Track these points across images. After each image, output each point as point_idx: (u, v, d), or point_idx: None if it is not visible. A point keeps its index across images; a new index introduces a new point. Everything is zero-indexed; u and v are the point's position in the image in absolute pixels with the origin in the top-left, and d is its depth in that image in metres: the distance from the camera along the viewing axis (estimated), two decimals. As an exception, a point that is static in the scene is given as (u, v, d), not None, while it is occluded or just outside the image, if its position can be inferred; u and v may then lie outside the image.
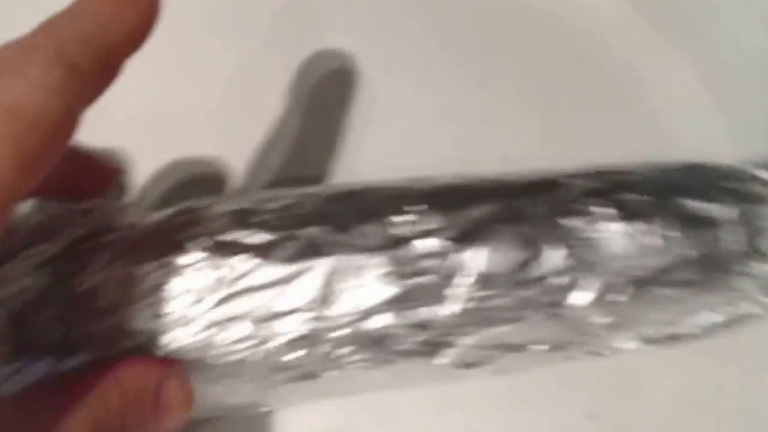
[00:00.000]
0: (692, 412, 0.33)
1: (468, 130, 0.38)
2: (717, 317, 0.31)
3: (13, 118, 0.20)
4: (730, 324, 0.31)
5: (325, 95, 0.38)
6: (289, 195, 0.30)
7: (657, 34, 0.40)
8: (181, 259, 0.28)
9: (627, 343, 0.32)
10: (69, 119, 0.22)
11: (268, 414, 0.33)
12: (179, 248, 0.28)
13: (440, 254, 0.28)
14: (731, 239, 0.29)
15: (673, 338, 0.32)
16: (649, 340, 0.32)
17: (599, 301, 0.29)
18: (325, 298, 0.28)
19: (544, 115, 0.38)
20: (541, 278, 0.28)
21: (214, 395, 0.29)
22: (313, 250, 0.28)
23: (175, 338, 0.28)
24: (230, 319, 0.28)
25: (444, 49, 0.40)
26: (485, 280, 0.28)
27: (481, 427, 0.33)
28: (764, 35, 0.39)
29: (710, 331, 0.32)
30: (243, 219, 0.29)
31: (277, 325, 0.28)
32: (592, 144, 0.36)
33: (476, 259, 0.28)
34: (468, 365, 0.30)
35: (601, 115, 0.38)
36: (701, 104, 0.39)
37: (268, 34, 0.40)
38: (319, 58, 0.39)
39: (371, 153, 0.36)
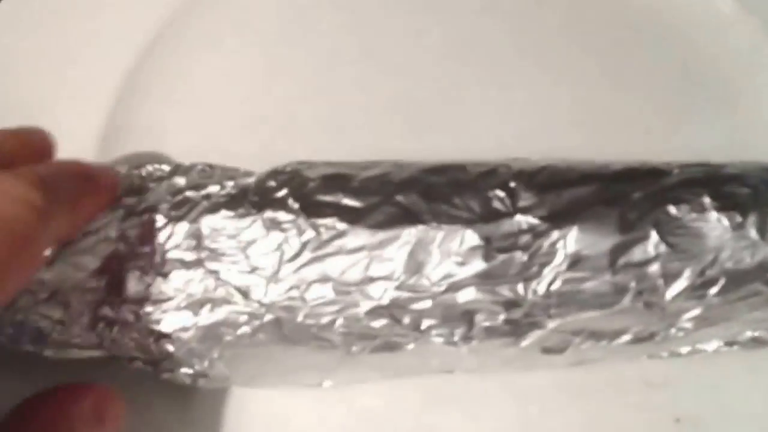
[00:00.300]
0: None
1: (558, 124, 0.38)
2: None
3: None
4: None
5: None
6: (385, 164, 0.30)
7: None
8: (275, 217, 0.28)
9: (710, 342, 0.31)
10: (41, 236, 0.25)
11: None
12: (274, 206, 0.29)
13: (532, 232, 0.28)
14: None
15: (757, 341, 0.31)
16: (731, 342, 0.31)
17: (691, 292, 0.28)
18: (412, 267, 0.28)
19: (641, 113, 0.38)
20: (634, 264, 0.28)
21: (294, 360, 0.29)
22: (405, 218, 0.28)
23: (267, 293, 0.28)
24: (317, 281, 0.28)
25: (524, 38, 0.40)
26: (576, 261, 0.28)
27: (552, 425, 0.32)
28: None
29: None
30: (337, 183, 0.29)
31: (363, 291, 0.28)
32: (687, 144, 0.35)
33: (569, 239, 0.28)
34: (547, 350, 0.29)
35: (702, 116, 0.38)
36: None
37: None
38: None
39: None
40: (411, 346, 0.29)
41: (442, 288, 0.28)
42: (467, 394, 0.33)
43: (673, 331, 0.29)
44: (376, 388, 0.33)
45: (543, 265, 0.28)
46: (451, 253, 0.28)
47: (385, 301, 0.28)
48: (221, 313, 0.28)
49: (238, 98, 0.39)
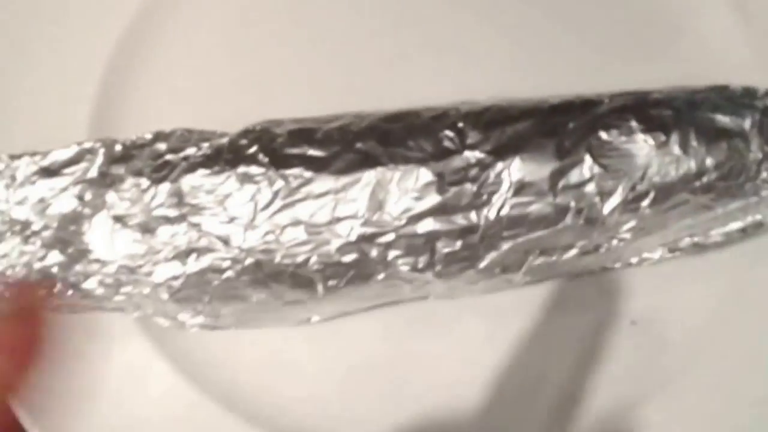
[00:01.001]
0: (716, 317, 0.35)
1: (499, 66, 0.40)
2: (736, 224, 0.34)
3: None
4: (748, 230, 0.34)
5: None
6: (346, 116, 0.33)
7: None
8: (248, 171, 0.32)
9: (654, 251, 0.34)
10: None
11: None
12: (246, 162, 0.32)
13: (480, 165, 0.31)
14: (746, 148, 0.32)
15: (698, 246, 0.34)
16: (674, 249, 0.34)
17: (625, 206, 0.31)
18: (374, 206, 0.31)
19: (579, 51, 0.40)
20: (572, 186, 0.31)
21: (279, 299, 0.33)
22: (365, 163, 0.32)
23: (246, 239, 0.31)
24: (290, 225, 0.31)
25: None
26: (521, 187, 0.31)
27: (520, 337, 0.36)
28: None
29: (730, 239, 0.34)
30: (302, 136, 0.33)
31: (332, 231, 0.31)
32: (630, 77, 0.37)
33: (512, 168, 0.31)
34: (505, 269, 0.33)
35: (646, 53, 0.40)
36: (744, 44, 0.40)
37: None
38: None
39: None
40: (381, 276, 0.32)
41: (403, 221, 0.31)
42: (439, 318, 0.36)
43: (614, 242, 0.33)
44: (359, 321, 0.36)
45: (491, 194, 0.31)
46: (408, 190, 0.31)
47: (353, 238, 0.31)
48: (206, 260, 0.32)
49: (216, 70, 0.41)
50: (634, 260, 0.35)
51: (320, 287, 0.32)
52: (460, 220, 0.31)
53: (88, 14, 0.41)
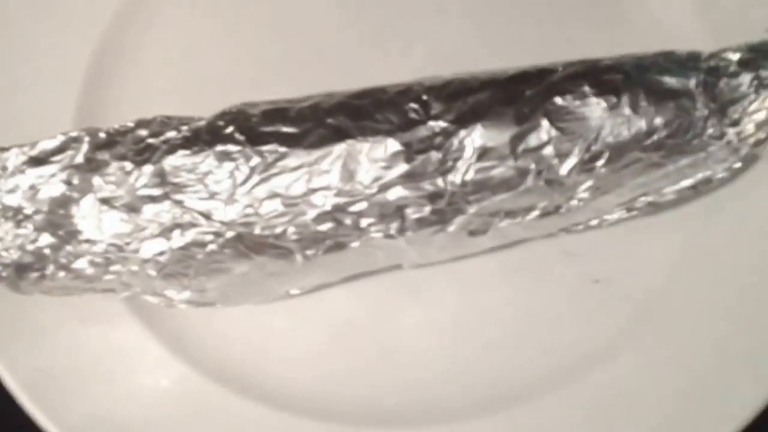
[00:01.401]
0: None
1: (461, 43, 0.42)
2: (687, 181, 0.36)
3: None
4: (698, 187, 0.36)
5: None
6: (317, 96, 0.35)
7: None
8: (225, 149, 0.34)
9: (612, 211, 0.37)
10: None
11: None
12: (223, 141, 0.34)
13: (444, 133, 0.33)
14: (692, 106, 0.34)
15: (653, 205, 0.37)
16: (631, 208, 0.37)
17: (581, 166, 0.33)
18: (346, 176, 0.33)
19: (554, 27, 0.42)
20: (531, 149, 0.33)
21: (260, 270, 0.35)
22: (335, 136, 0.34)
23: (226, 213, 0.33)
24: (267, 198, 0.33)
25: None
26: (483, 153, 0.33)
27: (491, 300, 0.38)
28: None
29: (683, 196, 0.36)
30: (276, 115, 0.34)
31: (307, 201, 0.33)
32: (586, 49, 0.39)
33: (474, 135, 0.33)
34: (472, 233, 0.35)
35: (604, 27, 0.43)
36: (692, 12, 0.42)
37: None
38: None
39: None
40: (356, 244, 0.34)
41: (374, 190, 0.33)
42: (414, 284, 0.38)
43: (574, 202, 0.35)
44: (338, 291, 0.38)
45: (456, 160, 0.33)
46: (377, 160, 0.33)
47: (327, 207, 0.33)
48: (190, 235, 0.33)
49: (197, 62, 0.43)
50: (594, 222, 0.37)
51: (299, 257, 0.34)
52: (427, 186, 0.33)
53: (72, 11, 0.43)
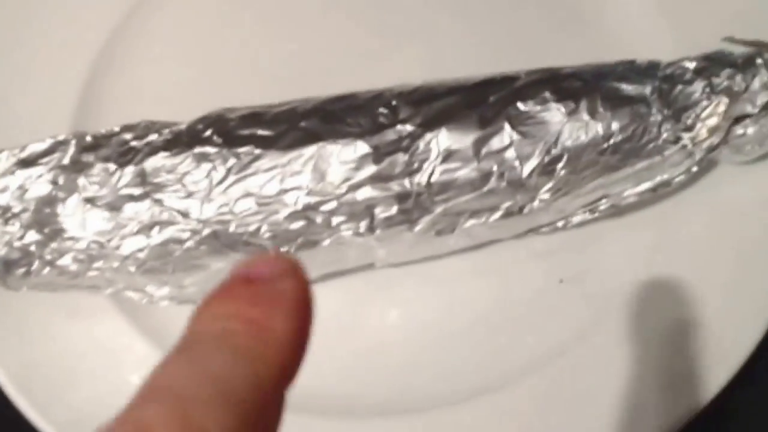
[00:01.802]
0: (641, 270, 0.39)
1: (431, 48, 0.44)
2: (646, 184, 0.37)
3: None
4: (657, 190, 0.38)
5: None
6: (293, 101, 0.37)
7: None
8: (203, 151, 0.35)
9: (576, 213, 0.38)
10: None
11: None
12: (201, 143, 0.36)
13: (411, 136, 0.35)
14: (648, 112, 0.36)
15: (615, 207, 0.38)
16: (594, 210, 0.38)
17: (542, 168, 0.35)
18: (317, 177, 0.35)
19: (507, 32, 0.44)
20: (494, 151, 0.35)
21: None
22: (308, 139, 0.35)
23: (203, 211, 0.35)
24: (242, 197, 0.35)
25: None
26: (448, 155, 0.35)
27: (461, 299, 0.39)
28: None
29: (643, 198, 0.38)
30: (253, 119, 0.36)
31: (280, 201, 0.35)
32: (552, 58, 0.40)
33: (440, 138, 0.35)
34: (439, 232, 0.36)
35: (561, 32, 0.44)
36: (656, 27, 0.44)
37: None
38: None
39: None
40: (327, 242, 0.36)
41: (344, 190, 0.35)
42: (389, 284, 0.40)
43: (536, 203, 0.36)
44: (314, 290, 0.39)
45: (422, 161, 0.35)
46: (347, 161, 0.35)
47: (299, 206, 0.35)
48: (168, 232, 0.35)
49: (193, 72, 0.45)
50: (560, 224, 0.39)
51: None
52: (395, 186, 0.35)
53: (70, 22, 0.45)
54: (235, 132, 0.36)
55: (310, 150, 0.35)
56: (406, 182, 0.35)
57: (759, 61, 0.36)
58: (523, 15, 0.45)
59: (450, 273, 0.40)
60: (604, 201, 0.38)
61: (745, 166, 0.39)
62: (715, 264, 0.38)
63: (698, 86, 0.36)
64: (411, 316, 0.40)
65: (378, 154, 0.35)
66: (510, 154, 0.35)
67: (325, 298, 0.39)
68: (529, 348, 0.38)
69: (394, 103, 0.36)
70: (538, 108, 0.35)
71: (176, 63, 0.45)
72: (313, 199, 0.35)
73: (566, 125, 0.35)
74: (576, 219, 0.38)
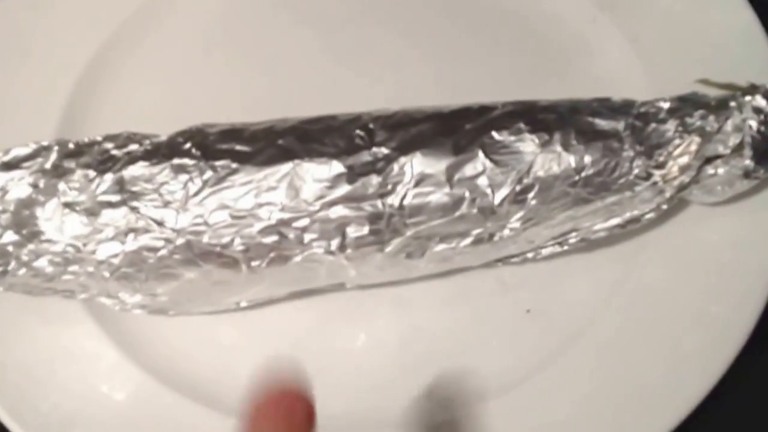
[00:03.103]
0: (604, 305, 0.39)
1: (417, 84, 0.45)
2: (615, 220, 0.38)
3: None
4: (627, 225, 0.38)
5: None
6: (273, 120, 0.38)
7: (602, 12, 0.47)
8: (181, 162, 0.36)
9: (546, 244, 0.39)
10: None
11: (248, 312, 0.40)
12: (180, 155, 0.36)
13: (385, 159, 0.36)
14: (620, 147, 0.36)
15: (584, 241, 0.39)
16: (564, 242, 0.39)
17: (513, 197, 0.36)
18: (291, 193, 0.36)
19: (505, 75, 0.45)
20: (466, 178, 0.36)
21: (207, 277, 0.37)
22: (284, 156, 0.36)
23: (178, 221, 0.35)
24: (217, 209, 0.36)
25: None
26: (421, 179, 0.36)
27: (429, 325, 0.40)
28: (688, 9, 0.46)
29: (612, 233, 0.38)
30: (232, 135, 0.37)
31: (254, 215, 0.36)
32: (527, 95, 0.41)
33: (414, 162, 0.36)
34: (409, 255, 0.37)
35: (551, 77, 0.45)
36: (635, 70, 0.45)
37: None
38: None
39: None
40: (298, 258, 0.36)
41: (317, 207, 0.36)
42: (359, 306, 0.41)
43: (506, 231, 0.37)
44: (284, 308, 0.40)
45: (395, 184, 0.36)
46: (321, 180, 0.36)
47: (272, 221, 0.36)
48: (143, 240, 0.36)
49: (178, 86, 0.47)
50: (530, 255, 0.39)
51: (244, 267, 0.36)
52: (367, 207, 0.36)
53: (55, 38, 0.47)
54: (213, 146, 0.37)
55: (285, 167, 0.36)
56: (379, 203, 0.36)
57: (732, 103, 0.37)
58: (499, 53, 0.46)
59: (419, 297, 0.41)
60: (573, 234, 0.38)
61: (714, 207, 0.39)
62: (679, 303, 0.39)
63: (671, 125, 0.37)
64: (377, 339, 0.40)
65: (352, 174, 0.36)
66: (482, 181, 0.36)
67: (292, 316, 0.40)
68: (492, 375, 0.38)
69: (371, 126, 0.37)
70: (513, 138, 0.36)
71: (160, 79, 0.47)
72: (286, 215, 0.36)
73: (539, 156, 0.36)
74: (545, 251, 0.39)
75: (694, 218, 0.40)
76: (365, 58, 0.46)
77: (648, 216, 0.38)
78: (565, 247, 0.39)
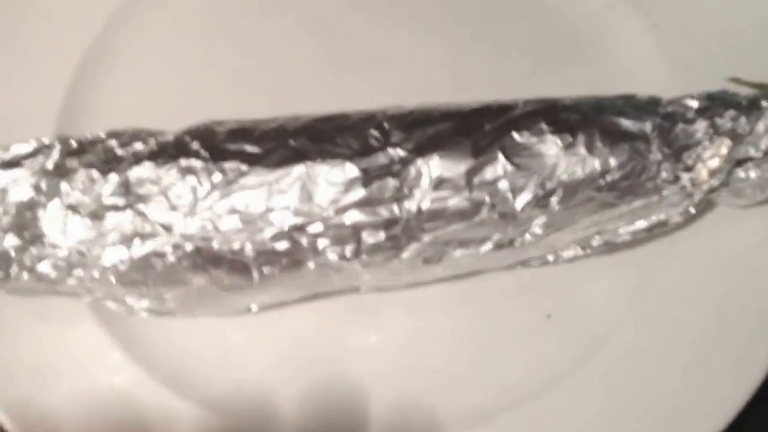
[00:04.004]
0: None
1: (446, 76, 0.43)
2: (642, 223, 0.36)
3: None
4: (653, 230, 0.37)
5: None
6: (283, 117, 0.36)
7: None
8: (189, 164, 0.35)
9: (568, 248, 0.37)
10: None
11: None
12: (187, 156, 0.35)
13: (402, 162, 0.34)
14: (647, 150, 0.35)
15: (608, 244, 0.37)
16: (585, 246, 0.37)
17: (535, 202, 0.34)
18: (304, 197, 0.34)
19: (522, 66, 0.44)
20: (486, 182, 0.34)
21: (218, 283, 0.35)
22: (296, 158, 0.34)
23: (186, 226, 0.34)
24: (227, 214, 0.34)
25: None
26: (439, 183, 0.34)
27: (448, 329, 0.39)
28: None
29: (638, 237, 0.37)
30: (241, 135, 0.35)
31: (265, 219, 0.34)
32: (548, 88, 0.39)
33: (432, 165, 0.34)
34: (427, 260, 0.35)
35: (569, 67, 0.44)
36: (656, 59, 0.43)
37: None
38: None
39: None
40: (312, 264, 0.35)
41: (331, 213, 0.34)
42: (369, 309, 0.39)
43: (527, 237, 0.35)
44: (295, 312, 0.39)
45: (412, 188, 0.34)
46: (335, 183, 0.34)
47: (284, 227, 0.34)
48: (150, 245, 0.34)
49: (178, 79, 0.44)
50: (550, 258, 0.38)
51: (256, 274, 0.35)
52: (383, 212, 0.34)
53: (54, 27, 0.45)
54: (222, 146, 0.35)
55: (298, 169, 0.34)
56: (395, 208, 0.34)
57: (764, 104, 0.35)
58: (514, 42, 0.44)
59: (434, 301, 0.39)
60: (597, 238, 0.37)
61: (743, 210, 0.38)
62: (705, 309, 0.38)
63: (700, 126, 0.35)
64: (389, 343, 0.39)
65: (367, 178, 0.34)
66: (503, 185, 0.34)
67: (302, 321, 0.39)
68: (509, 384, 0.37)
69: (386, 125, 0.35)
70: (534, 140, 0.35)
71: (163, 67, 0.45)
72: (299, 220, 0.34)
73: (562, 159, 0.34)
74: (567, 254, 0.38)
75: (721, 220, 0.38)
76: (374, 50, 0.45)
77: (675, 220, 0.36)
78: (588, 251, 0.37)
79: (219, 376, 0.39)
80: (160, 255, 0.34)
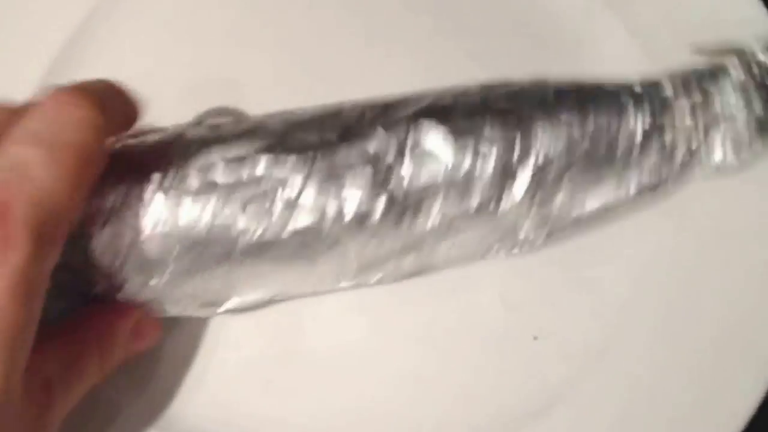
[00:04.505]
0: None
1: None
2: (631, 187, 0.38)
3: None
4: (643, 192, 0.38)
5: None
6: (285, 112, 0.37)
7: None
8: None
9: (558, 223, 0.38)
10: (100, 154, 0.29)
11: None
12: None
13: (398, 136, 0.36)
14: (624, 113, 0.37)
15: (601, 219, 0.38)
16: (579, 222, 0.38)
17: (528, 172, 0.36)
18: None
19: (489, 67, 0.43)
20: (477, 153, 0.36)
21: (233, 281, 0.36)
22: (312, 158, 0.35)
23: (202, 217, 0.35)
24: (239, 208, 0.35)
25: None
26: (431, 155, 0.36)
27: (432, 354, 0.38)
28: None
29: (628, 205, 0.38)
30: (249, 133, 0.36)
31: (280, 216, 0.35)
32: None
33: (429, 137, 0.36)
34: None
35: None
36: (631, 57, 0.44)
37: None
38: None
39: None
40: (326, 256, 0.36)
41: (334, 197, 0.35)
42: (376, 304, 0.39)
43: (516, 199, 0.36)
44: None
45: (404, 161, 0.35)
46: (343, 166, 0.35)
47: (299, 226, 0.35)
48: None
49: (174, 62, 0.44)
50: (539, 241, 0.38)
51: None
52: (381, 190, 0.35)
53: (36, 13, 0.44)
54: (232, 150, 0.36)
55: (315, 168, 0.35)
56: (392, 183, 0.35)
57: (732, 64, 0.38)
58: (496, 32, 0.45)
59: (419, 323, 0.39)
60: (588, 210, 0.38)
61: (720, 180, 0.39)
62: (692, 327, 0.38)
63: (673, 99, 0.37)
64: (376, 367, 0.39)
65: (366, 159, 0.35)
66: (491, 151, 0.35)
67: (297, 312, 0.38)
68: (496, 408, 0.37)
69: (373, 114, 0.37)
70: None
71: (152, 51, 0.44)
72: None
73: (546, 129, 0.36)
74: (533, 238, 0.38)
75: (710, 229, 0.40)
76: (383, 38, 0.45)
77: (664, 187, 0.38)
78: (582, 228, 0.38)
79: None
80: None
